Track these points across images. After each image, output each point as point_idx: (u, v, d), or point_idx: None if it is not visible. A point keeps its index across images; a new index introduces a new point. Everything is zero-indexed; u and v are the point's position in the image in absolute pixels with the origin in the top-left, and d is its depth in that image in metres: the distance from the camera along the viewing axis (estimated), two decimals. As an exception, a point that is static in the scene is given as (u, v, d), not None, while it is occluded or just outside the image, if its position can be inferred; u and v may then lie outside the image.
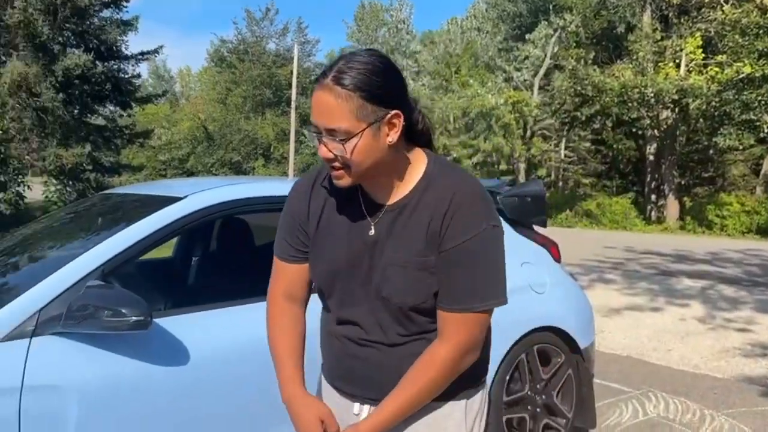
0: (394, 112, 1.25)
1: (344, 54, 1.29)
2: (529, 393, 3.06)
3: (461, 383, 1.38)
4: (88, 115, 17.43)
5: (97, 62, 15.81)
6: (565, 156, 23.45)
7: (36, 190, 16.32)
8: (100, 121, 18.49)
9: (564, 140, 23.08)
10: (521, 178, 23.28)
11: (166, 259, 3.73)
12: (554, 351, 3.17)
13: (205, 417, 2.11)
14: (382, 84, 1.24)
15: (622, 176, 24.01)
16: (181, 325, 2.12)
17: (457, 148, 23.19)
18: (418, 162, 1.35)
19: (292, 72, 29.03)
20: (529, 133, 22.55)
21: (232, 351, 2.18)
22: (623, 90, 16.65)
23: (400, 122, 1.26)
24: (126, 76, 17.88)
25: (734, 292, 7.58)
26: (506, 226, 3.21)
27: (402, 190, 1.33)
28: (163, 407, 2.02)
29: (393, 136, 1.27)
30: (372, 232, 1.33)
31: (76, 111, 16.58)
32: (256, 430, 2.23)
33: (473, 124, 22.79)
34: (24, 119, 14.82)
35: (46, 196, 16.32)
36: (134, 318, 1.85)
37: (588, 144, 22.71)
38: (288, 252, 1.45)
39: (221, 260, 3.43)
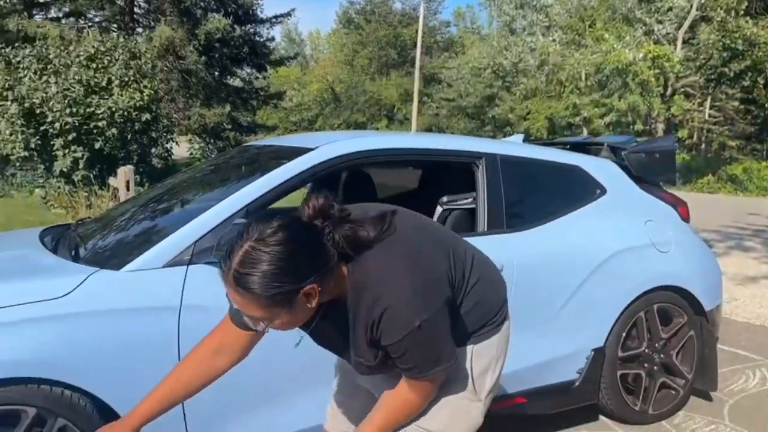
0: (306, 288, 1.28)
1: (236, 241, 1.27)
2: (646, 351, 3.04)
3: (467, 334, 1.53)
4: (227, 77, 18.60)
5: (235, 26, 16.72)
6: (710, 116, 21.62)
7: (181, 148, 17.78)
8: (238, 83, 19.63)
9: (709, 99, 21.27)
10: (657, 140, 21.90)
11: (297, 207, 4.02)
12: (676, 311, 3.10)
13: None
14: (282, 285, 1.25)
15: (776, 138, 21.83)
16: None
17: (588, 107, 22.12)
18: (342, 281, 1.39)
19: (417, 31, 28.94)
20: (669, 91, 21.00)
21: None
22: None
23: (316, 289, 1.29)
24: (261, 39, 18.81)
25: None
26: (630, 182, 3.17)
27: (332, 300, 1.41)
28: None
29: (313, 301, 1.31)
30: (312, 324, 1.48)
31: (216, 73, 17.74)
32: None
33: (607, 81, 21.55)
34: (171, 81, 16.10)
35: (191, 153, 17.74)
36: (272, 252, 2.08)
37: (736, 103, 20.75)
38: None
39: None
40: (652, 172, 3.27)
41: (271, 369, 2.21)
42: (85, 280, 2.06)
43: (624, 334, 2.96)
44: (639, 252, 2.99)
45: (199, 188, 3.07)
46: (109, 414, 2.01)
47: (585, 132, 22.65)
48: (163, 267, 2.15)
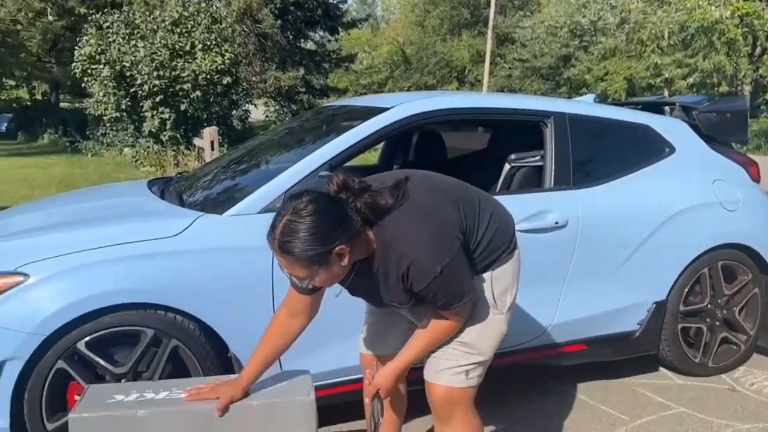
0: (336, 249, 1.54)
1: (277, 216, 1.57)
2: (708, 306, 3.13)
3: (485, 263, 1.82)
4: (301, 40, 18.92)
5: (308, -11, 16.95)
6: (803, 77, 20.27)
7: (256, 112, 18.37)
8: (311, 46, 19.94)
9: (803, 58, 19.91)
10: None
11: (372, 165, 4.27)
12: (741, 269, 3.17)
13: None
14: (316, 246, 1.52)
15: None
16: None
17: (670, 68, 21.13)
18: (371, 242, 1.66)
19: (491, -10, 28.25)
20: (758, 50, 19.78)
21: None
22: None
23: (345, 250, 1.56)
24: (334, 2, 18.96)
25: None
26: (700, 142, 3.22)
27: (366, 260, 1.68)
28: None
29: (345, 260, 1.58)
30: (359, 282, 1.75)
31: (291, 36, 18.08)
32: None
33: (691, 40, 20.50)
34: (248, 45, 16.57)
35: (266, 116, 18.30)
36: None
37: (834, 62, 19.36)
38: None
39: (418, 164, 3.87)
40: (723, 132, 3.30)
41: (341, 311, 2.47)
42: (193, 222, 2.37)
43: (687, 289, 3.06)
44: (705, 210, 3.06)
45: (284, 146, 3.35)
46: (213, 336, 2.33)
47: (666, 93, 21.73)
48: (258, 213, 2.43)
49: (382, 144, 4.08)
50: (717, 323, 3.17)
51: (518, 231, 2.63)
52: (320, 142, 2.72)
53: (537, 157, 3.04)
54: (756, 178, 3.33)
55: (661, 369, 3.27)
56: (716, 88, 20.53)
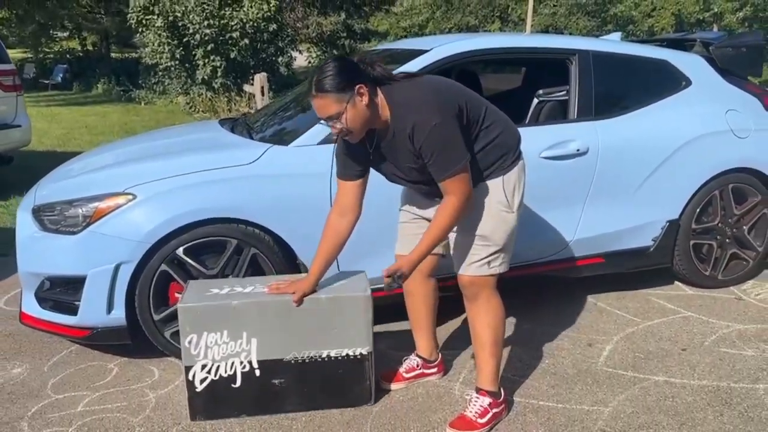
0: (357, 87, 1.95)
1: (314, 70, 2.03)
2: (719, 225, 3.47)
3: (495, 169, 2.18)
4: (342, -16, 18.96)
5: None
6: None
7: (300, 57, 18.64)
8: (351, -11, 19.93)
9: None
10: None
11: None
12: (751, 191, 3.48)
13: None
14: (342, 79, 1.95)
15: None
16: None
17: (720, 1, 20.41)
18: (385, 107, 2.04)
19: (535, -76, 27.27)
20: (817, -21, 18.87)
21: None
22: None
23: (365, 90, 1.97)
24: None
25: None
26: (715, 75, 3.49)
27: (386, 125, 2.06)
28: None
29: (365, 99, 1.98)
30: (382, 150, 2.15)
31: (331, -20, 18.14)
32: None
33: (744, -29, 19.67)
34: (289, -9, 16.75)
35: (309, 62, 18.58)
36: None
37: None
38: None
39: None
40: (739, 66, 3.55)
41: (380, 227, 2.91)
42: (266, 151, 2.83)
43: (698, 210, 3.40)
44: (717, 137, 3.36)
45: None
46: (284, 245, 2.81)
47: (716, 29, 20.99)
48: (318, 144, 2.87)
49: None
50: (727, 240, 3.51)
51: (544, 158, 3.07)
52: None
53: (563, 92, 3.38)
54: (769, 107, 3.58)
55: (676, 282, 3.65)
56: (769, 22, 19.76)
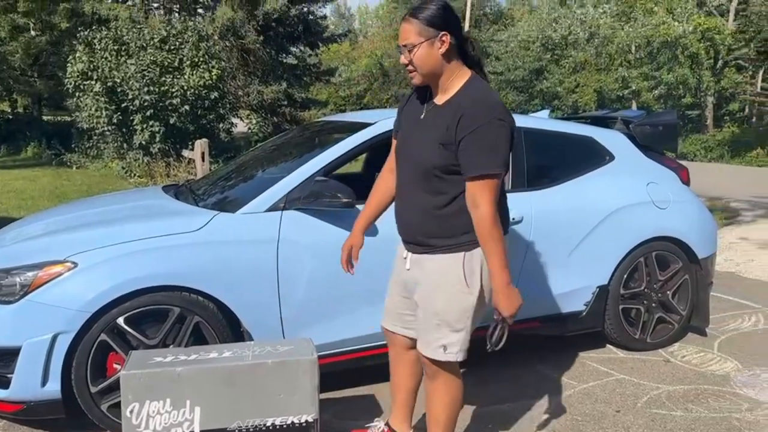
0: (442, 33, 2.00)
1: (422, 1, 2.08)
2: (645, 290, 3.67)
3: (463, 242, 2.08)
4: (283, 55, 19.41)
5: (290, 6, 17.45)
6: (762, 89, 21.26)
7: (240, 124, 18.78)
8: (292, 61, 20.44)
9: (761, 72, 20.91)
10: (708, 113, 21.68)
11: (357, 173, 4.78)
12: (672, 258, 3.72)
13: (379, 267, 3.06)
14: (437, 17, 1.99)
15: (834, 111, 21.35)
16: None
17: (637, 80, 22.06)
18: (463, 78, 2.07)
19: (465, 4, 29.05)
20: (720, 63, 20.76)
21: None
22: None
23: (447, 40, 2.00)
24: (314, 18, 19.51)
25: None
26: (636, 151, 3.78)
27: (448, 95, 2.08)
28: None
29: (443, 48, 2.01)
30: (422, 117, 2.14)
31: (273, 51, 18.56)
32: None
33: (656, 54, 21.46)
34: (231, 60, 17.01)
35: (249, 128, 18.73)
36: (344, 200, 2.82)
37: (791, 75, 20.40)
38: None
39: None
40: (657, 142, 3.86)
41: (327, 296, 2.96)
42: (212, 218, 2.86)
43: (626, 276, 3.60)
44: (640, 208, 3.62)
45: (280, 156, 3.84)
46: (228, 313, 2.80)
47: (634, 105, 22.60)
48: (265, 211, 2.91)
49: (365, 154, 4.59)
50: (653, 305, 3.71)
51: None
52: (315, 152, 3.22)
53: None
54: (685, 180, 3.90)
55: (608, 345, 3.81)
56: (681, 100, 21.45)
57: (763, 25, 17.36)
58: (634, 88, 22.11)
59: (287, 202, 2.93)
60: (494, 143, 1.95)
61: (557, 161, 3.64)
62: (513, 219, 3.27)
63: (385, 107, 32.48)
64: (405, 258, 2.27)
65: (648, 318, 3.72)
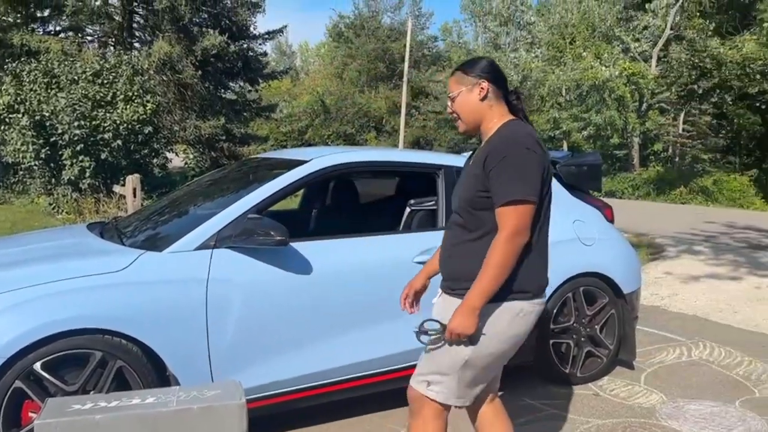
0: (480, 80, 2.10)
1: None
2: (574, 325, 3.77)
3: (500, 292, 1.96)
4: (222, 90, 19.31)
5: (229, 42, 17.45)
6: (684, 130, 22.56)
7: (176, 158, 18.45)
8: (232, 96, 20.34)
9: (682, 114, 22.22)
10: (634, 153, 22.77)
11: (293, 209, 4.77)
12: (599, 293, 3.84)
13: (314, 306, 3.03)
14: (476, 68, 2.12)
15: (748, 152, 22.81)
16: (305, 247, 3.05)
17: (567, 121, 23.02)
18: (502, 122, 2.12)
19: (405, 46, 29.78)
20: (644, 106, 21.95)
21: (338, 266, 3.10)
22: (744, 62, 15.96)
23: (486, 87, 2.10)
24: (254, 55, 19.55)
25: (824, 267, 7.61)
26: (562, 190, 3.91)
27: (488, 136, 2.12)
28: (291, 300, 2.96)
29: (481, 94, 2.10)
30: (470, 163, 2.18)
31: (211, 87, 18.44)
32: (349, 328, 3.13)
33: (586, 96, 22.50)
34: (168, 94, 16.80)
35: (186, 163, 18.41)
36: (278, 238, 2.79)
37: (708, 118, 21.73)
38: None
39: (333, 208, 4.41)
40: (582, 182, 4.02)
41: (275, 328, 2.91)
42: (137, 258, 2.77)
43: (555, 311, 3.69)
44: (567, 244, 3.73)
45: (213, 193, 3.78)
46: (155, 358, 2.70)
47: (565, 145, 23.53)
48: (194, 250, 2.85)
49: (302, 191, 4.58)
50: (582, 339, 3.81)
51: (417, 263, 3.22)
52: (248, 189, 3.18)
53: (432, 202, 3.63)
54: (610, 218, 4.06)
55: (540, 380, 3.86)
56: (609, 140, 22.47)
57: (683, 71, 18.50)
58: (564, 128, 23.04)
59: (218, 240, 2.88)
60: (522, 171, 1.96)
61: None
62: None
63: (327, 143, 32.63)
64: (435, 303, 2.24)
65: (578, 352, 3.81)
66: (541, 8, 31.54)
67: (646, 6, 21.88)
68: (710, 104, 20.31)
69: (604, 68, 20.83)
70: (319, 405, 3.10)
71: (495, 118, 2.12)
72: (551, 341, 3.70)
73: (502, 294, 1.97)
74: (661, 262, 8.08)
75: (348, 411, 3.33)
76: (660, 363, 4.25)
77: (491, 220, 1.99)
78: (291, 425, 3.16)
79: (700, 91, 18.31)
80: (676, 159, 23.09)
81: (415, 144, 31.55)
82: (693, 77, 18.15)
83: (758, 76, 16.39)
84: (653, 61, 21.95)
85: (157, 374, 2.72)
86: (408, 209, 3.71)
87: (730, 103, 18.77)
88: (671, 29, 21.39)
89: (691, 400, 3.62)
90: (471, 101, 2.11)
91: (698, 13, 19.77)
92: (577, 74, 21.48)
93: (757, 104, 18.58)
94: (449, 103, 2.19)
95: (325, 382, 3.07)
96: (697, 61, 17.34)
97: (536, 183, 1.97)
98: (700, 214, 14.14)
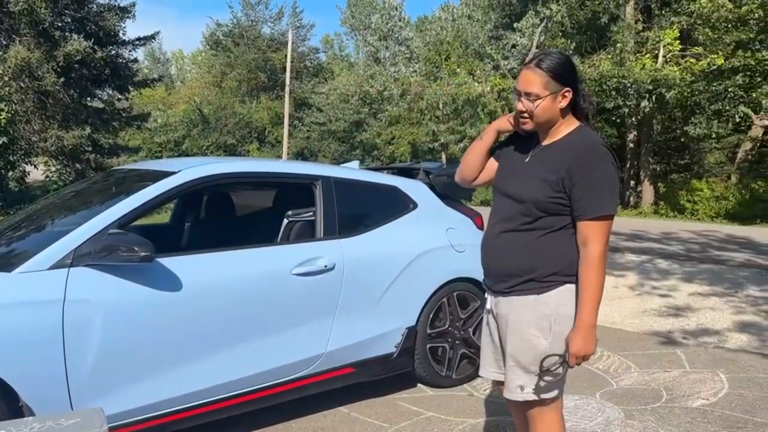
0: (566, 89, 2.07)
1: (543, 50, 2.22)
2: (449, 328, 3.89)
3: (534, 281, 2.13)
4: (88, 98, 18.11)
5: (96, 48, 16.43)
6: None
7: (37, 171, 17.04)
8: (99, 104, 19.14)
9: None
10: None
11: (165, 223, 4.55)
12: (472, 297, 3.99)
13: (185, 323, 2.92)
14: (564, 73, 2.06)
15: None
16: (174, 263, 2.93)
17: (445, 134, 23.91)
18: (571, 125, 2.13)
19: (286, 56, 29.60)
20: (514, 119, 23.27)
21: (210, 281, 3.00)
22: (601, 79, 17.40)
23: (569, 96, 2.08)
24: (124, 61, 18.54)
25: (668, 265, 8.40)
26: (435, 199, 4.04)
27: (554, 138, 2.13)
28: (159, 318, 2.82)
29: (563, 103, 2.08)
30: (527, 160, 2.17)
31: (75, 94, 17.25)
32: (224, 345, 3.04)
33: (461, 110, 23.49)
34: (26, 102, 15.52)
35: (47, 176, 17.06)
36: (142, 254, 2.65)
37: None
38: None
39: (207, 221, 4.27)
40: (453, 191, 4.17)
41: (140, 349, 2.76)
42: (-18, 279, 2.51)
43: (431, 315, 3.80)
44: (441, 251, 3.86)
45: (73, 206, 3.53)
46: (4, 387, 2.46)
47: (444, 156, 24.39)
48: (48, 269, 2.64)
49: (174, 203, 4.39)
50: (457, 342, 3.94)
51: (295, 275, 3.19)
52: (110, 202, 3.00)
53: (310, 213, 3.61)
54: (480, 226, 4.24)
55: (419, 384, 3.95)
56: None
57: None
58: (442, 140, 23.90)
59: (75, 258, 2.68)
60: (612, 186, 2.04)
61: (366, 210, 3.77)
62: (325, 266, 3.32)
63: (206, 154, 31.62)
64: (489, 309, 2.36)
65: (453, 355, 3.94)
66: (419, 24, 32.60)
67: (515, 26, 23.23)
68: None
69: (477, 84, 21.86)
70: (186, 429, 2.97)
71: (565, 122, 2.14)
72: (428, 345, 3.80)
73: (561, 280, 2.11)
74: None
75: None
76: (529, 361, 4.48)
77: (555, 222, 2.10)
78: None
79: (563, 106, 19.60)
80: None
81: (299, 155, 31.39)
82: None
83: (613, 93, 17.87)
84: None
85: (8, 405, 2.48)
86: (286, 220, 3.67)
87: (590, 116, 20.31)
88: (537, 48, 22.86)
89: (557, 395, 3.84)
90: (553, 109, 2.09)
91: (560, 33, 21.26)
92: (452, 89, 22.37)
93: (614, 118, 20.25)
94: (522, 99, 2.10)
95: (204, 401, 2.96)
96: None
97: (617, 197, 2.09)
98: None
